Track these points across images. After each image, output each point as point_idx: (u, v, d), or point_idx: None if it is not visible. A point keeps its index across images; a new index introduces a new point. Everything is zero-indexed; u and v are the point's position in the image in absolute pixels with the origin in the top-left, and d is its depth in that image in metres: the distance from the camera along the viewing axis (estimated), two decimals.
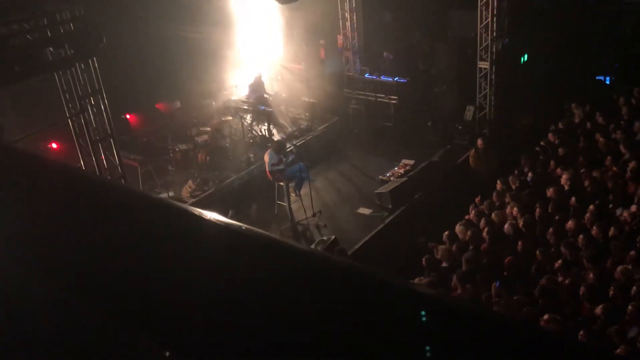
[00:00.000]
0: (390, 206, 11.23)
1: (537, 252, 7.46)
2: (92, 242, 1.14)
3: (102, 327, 1.39)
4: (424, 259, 8.15)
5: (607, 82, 13.22)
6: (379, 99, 14.27)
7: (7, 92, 10.66)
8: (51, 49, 8.55)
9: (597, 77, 13.65)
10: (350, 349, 0.92)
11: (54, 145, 11.75)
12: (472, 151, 11.72)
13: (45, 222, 1.24)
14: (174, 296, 1.00)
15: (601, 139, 9.99)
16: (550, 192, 8.76)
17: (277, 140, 12.20)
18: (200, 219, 1.01)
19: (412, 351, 0.86)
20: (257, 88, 14.55)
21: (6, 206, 1.42)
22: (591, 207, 7.94)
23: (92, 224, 1.13)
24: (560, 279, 6.93)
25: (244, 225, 1.02)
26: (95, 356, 1.24)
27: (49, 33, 8.45)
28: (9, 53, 7.86)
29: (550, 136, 10.84)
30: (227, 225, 1.00)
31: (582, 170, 9.17)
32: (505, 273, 7.40)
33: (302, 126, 14.30)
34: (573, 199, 8.41)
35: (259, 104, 14.05)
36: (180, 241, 1.03)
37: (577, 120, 11.48)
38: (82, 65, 8.98)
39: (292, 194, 11.49)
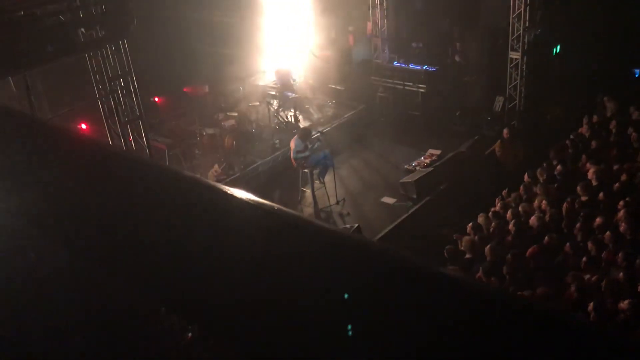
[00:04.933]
0: (414, 196, 11.16)
1: (566, 246, 7.36)
2: (128, 218, 1.15)
3: (126, 300, 1.41)
4: (445, 249, 8.09)
5: None
6: (406, 88, 14.15)
7: (38, 73, 10.83)
8: (83, 30, 8.65)
9: (633, 70, 13.29)
10: (377, 331, 0.92)
11: (84, 126, 11.92)
12: (499, 142, 11.58)
13: (79, 198, 1.26)
14: (207, 272, 1.01)
15: (634, 134, 9.75)
16: (579, 186, 8.60)
17: (303, 128, 12.19)
18: (235, 197, 1.01)
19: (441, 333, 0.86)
20: (284, 74, 14.54)
21: (39, 180, 1.44)
22: (621, 203, 7.79)
23: (128, 200, 1.13)
24: (587, 276, 6.82)
25: (276, 205, 1.02)
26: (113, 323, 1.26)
27: (81, 14, 8.55)
28: (42, 33, 7.97)
29: (584, 129, 10.62)
30: (260, 204, 1.00)
31: (615, 167, 8.97)
32: (531, 264, 7.32)
33: (329, 113, 14.27)
34: (601, 194, 8.25)
35: (286, 91, 14.05)
36: (215, 219, 1.03)
37: (609, 114, 11.23)
38: (113, 47, 9.06)
39: (316, 181, 11.49)
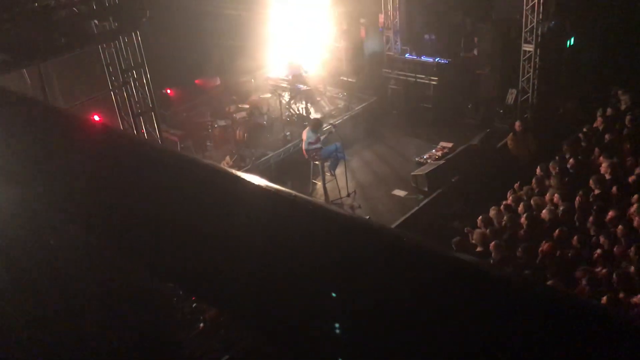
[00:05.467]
0: (426, 189, 11.14)
1: (573, 239, 7.33)
2: (148, 204, 1.17)
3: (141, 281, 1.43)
4: (452, 242, 8.05)
5: None
6: (418, 80, 14.08)
7: (52, 64, 10.90)
8: (96, 21, 8.70)
9: None
10: (392, 314, 0.93)
11: (96, 118, 11.99)
12: (511, 135, 11.52)
13: (98, 185, 1.28)
14: (225, 258, 1.02)
15: None
16: (591, 180, 8.54)
17: (315, 119, 12.19)
18: (252, 184, 1.03)
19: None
20: (296, 66, 14.54)
21: (56, 165, 1.46)
22: (635, 196, 7.73)
23: (147, 187, 1.15)
24: (598, 269, 6.78)
25: (293, 192, 1.03)
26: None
27: (94, 6, 8.59)
28: (56, 25, 8.02)
29: (598, 122, 10.54)
30: (277, 191, 1.02)
31: (629, 160, 8.91)
32: (537, 260, 7.29)
33: (340, 105, 14.26)
34: (614, 188, 8.19)
35: (297, 83, 14.05)
36: (233, 205, 1.05)
37: (623, 107, 11.12)
38: (126, 38, 9.10)
39: (327, 174, 11.50)
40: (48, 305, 1.70)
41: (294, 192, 1.04)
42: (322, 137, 11.13)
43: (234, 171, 1.11)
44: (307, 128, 11.22)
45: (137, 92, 9.64)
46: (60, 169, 1.35)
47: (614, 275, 6.39)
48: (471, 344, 0.92)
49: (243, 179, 1.05)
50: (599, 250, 7.05)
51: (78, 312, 1.73)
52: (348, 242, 0.95)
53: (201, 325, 8.17)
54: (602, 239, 7.20)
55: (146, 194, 1.16)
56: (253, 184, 1.03)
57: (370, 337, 0.99)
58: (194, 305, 8.03)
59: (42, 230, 1.56)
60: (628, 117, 10.28)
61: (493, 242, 7.65)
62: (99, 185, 1.26)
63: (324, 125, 11.89)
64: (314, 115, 13.65)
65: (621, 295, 6.23)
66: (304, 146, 11.11)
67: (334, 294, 0.97)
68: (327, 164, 11.38)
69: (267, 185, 1.02)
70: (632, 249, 6.72)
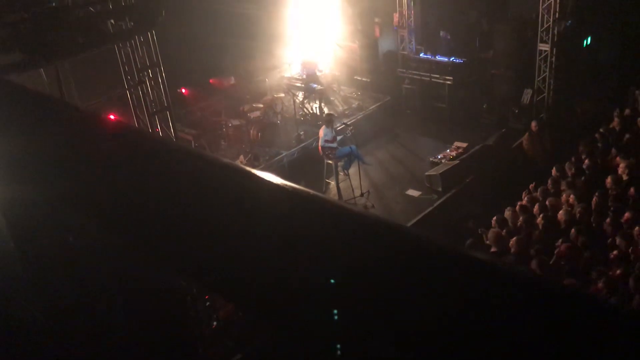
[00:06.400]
0: (440, 189, 11.10)
1: (578, 241, 7.27)
2: (168, 201, 1.18)
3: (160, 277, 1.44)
4: (466, 245, 7.99)
5: None
6: (433, 79, 14.04)
7: (69, 63, 11.00)
8: (112, 21, 8.76)
9: None
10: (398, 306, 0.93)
11: (112, 117, 12.09)
12: (527, 135, 11.44)
13: (117, 182, 1.29)
14: (244, 255, 1.03)
15: None
16: (608, 181, 8.46)
17: (328, 114, 12.23)
18: (270, 183, 1.03)
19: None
20: (310, 66, 14.55)
21: (75, 163, 1.47)
22: None
23: (170, 185, 1.16)
24: (617, 271, 6.70)
25: (310, 191, 1.04)
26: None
27: (110, 5, 8.65)
28: (73, 25, 8.09)
29: (615, 122, 10.43)
30: (294, 189, 1.02)
31: None
32: (552, 261, 7.23)
33: (354, 105, 14.25)
34: (632, 189, 8.11)
35: (311, 82, 14.07)
36: (250, 203, 1.05)
37: None
38: (142, 38, 9.15)
39: (341, 173, 11.50)
40: (66, 303, 1.72)
41: (311, 191, 1.04)
42: (338, 138, 11.16)
43: (252, 170, 1.12)
44: (324, 126, 11.26)
45: (152, 91, 9.69)
46: (79, 167, 1.36)
47: (630, 280, 6.32)
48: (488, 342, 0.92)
49: (261, 178, 1.05)
50: (615, 252, 6.98)
51: (96, 310, 1.75)
52: (365, 239, 0.95)
53: (214, 323, 8.21)
54: (618, 240, 7.12)
55: (166, 192, 1.17)
56: (271, 182, 1.04)
57: (386, 334, 0.99)
58: (208, 303, 8.07)
59: (61, 228, 1.57)
60: None
61: (515, 238, 7.61)
62: (119, 184, 1.27)
63: (340, 124, 11.91)
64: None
65: (637, 297, 6.16)
66: (320, 143, 11.14)
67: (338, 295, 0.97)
68: (340, 163, 11.40)
69: (284, 184, 1.03)
70: None
